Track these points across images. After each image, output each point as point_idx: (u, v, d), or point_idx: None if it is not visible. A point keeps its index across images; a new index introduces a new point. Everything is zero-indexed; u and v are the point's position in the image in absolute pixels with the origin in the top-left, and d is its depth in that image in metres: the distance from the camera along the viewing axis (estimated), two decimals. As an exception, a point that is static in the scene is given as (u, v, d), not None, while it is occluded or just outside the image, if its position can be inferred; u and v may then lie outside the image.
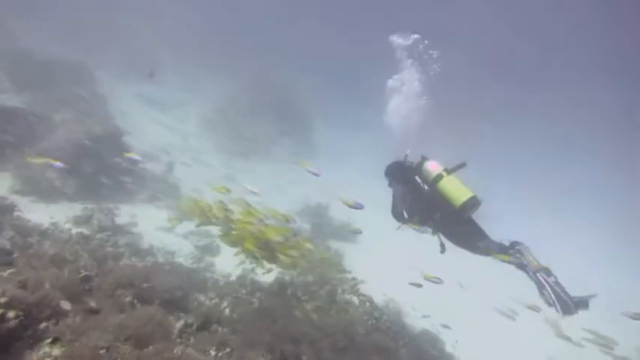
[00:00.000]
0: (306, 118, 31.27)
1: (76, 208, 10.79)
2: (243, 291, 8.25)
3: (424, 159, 6.58)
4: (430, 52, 8.69)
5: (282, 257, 5.26)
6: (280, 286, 7.68)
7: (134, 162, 13.26)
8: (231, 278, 9.17)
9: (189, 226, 12.24)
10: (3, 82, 16.08)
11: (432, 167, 6.37)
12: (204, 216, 5.73)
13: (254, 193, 9.23)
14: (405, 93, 8.07)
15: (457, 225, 6.10)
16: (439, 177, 6.18)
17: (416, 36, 8.64)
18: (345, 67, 46.06)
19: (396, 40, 8.61)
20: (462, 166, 6.28)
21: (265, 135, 26.30)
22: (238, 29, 43.12)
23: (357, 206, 6.28)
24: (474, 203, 5.92)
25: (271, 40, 44.36)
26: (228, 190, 6.24)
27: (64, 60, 18.31)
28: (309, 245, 5.73)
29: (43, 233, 8.37)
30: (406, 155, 6.98)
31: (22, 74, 16.37)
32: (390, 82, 8.31)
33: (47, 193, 10.92)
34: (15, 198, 10.01)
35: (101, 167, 12.22)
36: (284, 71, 35.40)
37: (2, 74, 15.86)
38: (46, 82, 16.62)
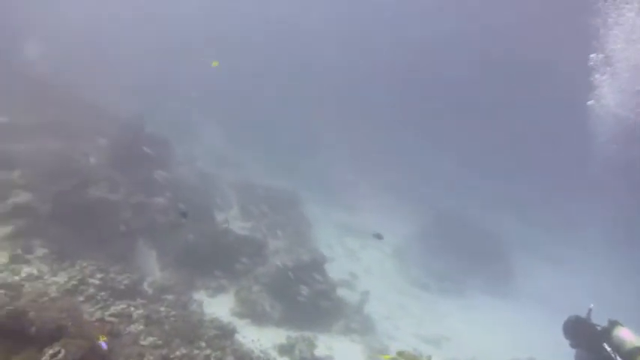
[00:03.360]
0: (503, 252, 28.55)
1: (281, 335, 11.22)
2: None
3: (614, 323, 5.50)
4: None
5: None
6: None
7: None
8: None
9: (383, 367, 11.38)
10: (234, 209, 19.34)
11: (627, 336, 5.25)
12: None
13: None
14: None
15: None
16: (638, 351, 5.04)
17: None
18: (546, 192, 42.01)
19: None
20: None
21: (456, 270, 24.66)
22: (424, 164, 44.49)
23: None
24: None
25: (465, 174, 44.23)
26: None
27: (278, 188, 21.36)
28: None
29: (255, 361, 8.69)
30: (589, 310, 5.83)
31: (247, 202, 19.44)
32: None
33: (259, 317, 11.70)
34: (234, 320, 10.97)
35: (306, 293, 12.72)
36: (478, 204, 34.39)
37: (235, 205, 19.08)
38: (266, 209, 19.16)
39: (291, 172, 25.96)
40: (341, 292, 15.05)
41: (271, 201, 19.37)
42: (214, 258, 12.78)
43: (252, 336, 10.29)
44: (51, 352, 5.29)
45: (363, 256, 22.63)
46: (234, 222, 17.45)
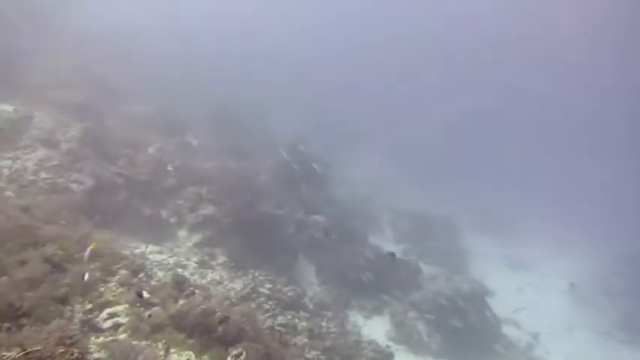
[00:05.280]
0: None
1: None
2: None
3: None
4: None
5: None
6: None
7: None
8: None
9: None
10: (387, 233, 19.17)
11: None
12: None
13: None
14: None
15: None
16: None
17: None
18: None
19: None
20: None
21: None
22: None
23: None
24: None
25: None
26: None
27: (432, 213, 20.40)
28: None
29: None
30: None
31: (401, 228, 19.06)
32: None
33: (416, 345, 11.11)
34: (390, 345, 10.59)
35: (466, 327, 11.69)
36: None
37: (388, 228, 18.93)
38: (420, 235, 18.50)
39: (449, 199, 24.55)
40: (506, 329, 13.44)
41: (425, 226, 18.67)
42: (370, 279, 12.65)
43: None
44: (235, 352, 5.70)
45: (530, 292, 19.96)
46: (387, 244, 17.20)
